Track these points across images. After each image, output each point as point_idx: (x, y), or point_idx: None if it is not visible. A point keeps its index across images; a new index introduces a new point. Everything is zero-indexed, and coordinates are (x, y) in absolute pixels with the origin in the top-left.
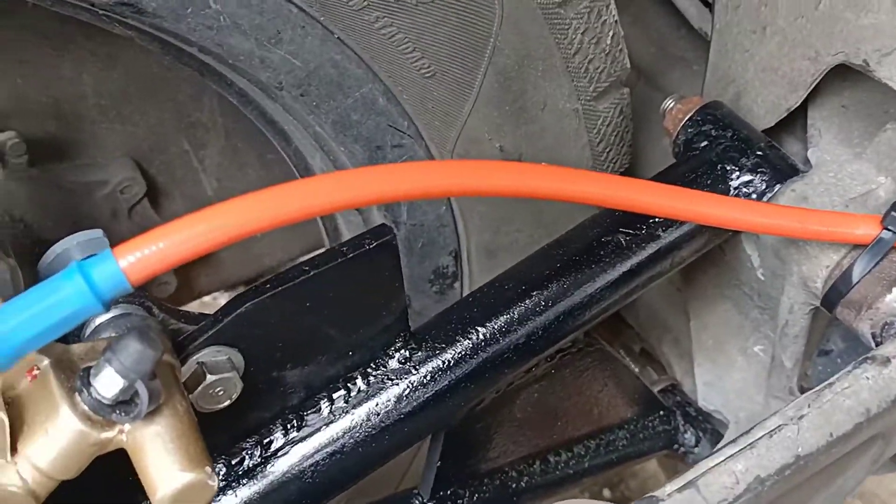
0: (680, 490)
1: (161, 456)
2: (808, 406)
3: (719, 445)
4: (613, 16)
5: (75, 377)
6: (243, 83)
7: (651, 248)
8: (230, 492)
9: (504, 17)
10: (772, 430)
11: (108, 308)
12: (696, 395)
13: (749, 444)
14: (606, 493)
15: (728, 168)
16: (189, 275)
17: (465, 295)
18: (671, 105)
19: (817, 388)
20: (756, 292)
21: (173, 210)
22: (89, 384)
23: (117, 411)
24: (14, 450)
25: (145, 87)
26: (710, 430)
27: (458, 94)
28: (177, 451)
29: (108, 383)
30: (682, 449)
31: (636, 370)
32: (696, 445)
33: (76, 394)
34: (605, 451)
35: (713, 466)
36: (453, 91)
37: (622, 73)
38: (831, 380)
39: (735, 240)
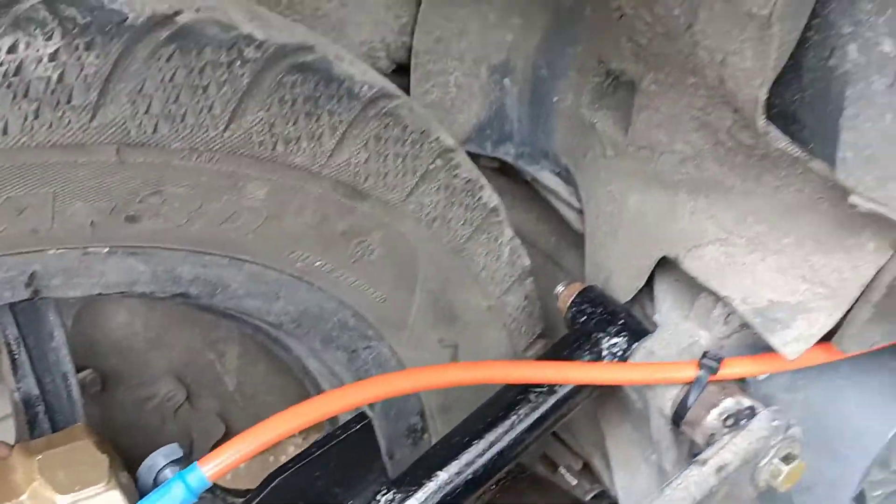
0: None
1: None
2: (653, 502)
3: None
4: (509, 235)
5: None
6: (255, 321)
7: (552, 400)
8: None
9: (424, 257)
10: None
11: (197, 499)
12: None
13: None
14: None
15: (600, 335)
16: None
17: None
18: (561, 290)
19: (663, 485)
20: (643, 416)
21: (206, 405)
22: None
23: None
24: None
25: (177, 318)
26: None
27: (403, 310)
28: None
29: None
30: None
31: (574, 482)
32: None
33: None
34: None
35: None
36: (400, 308)
37: (523, 271)
38: (671, 479)
39: None
